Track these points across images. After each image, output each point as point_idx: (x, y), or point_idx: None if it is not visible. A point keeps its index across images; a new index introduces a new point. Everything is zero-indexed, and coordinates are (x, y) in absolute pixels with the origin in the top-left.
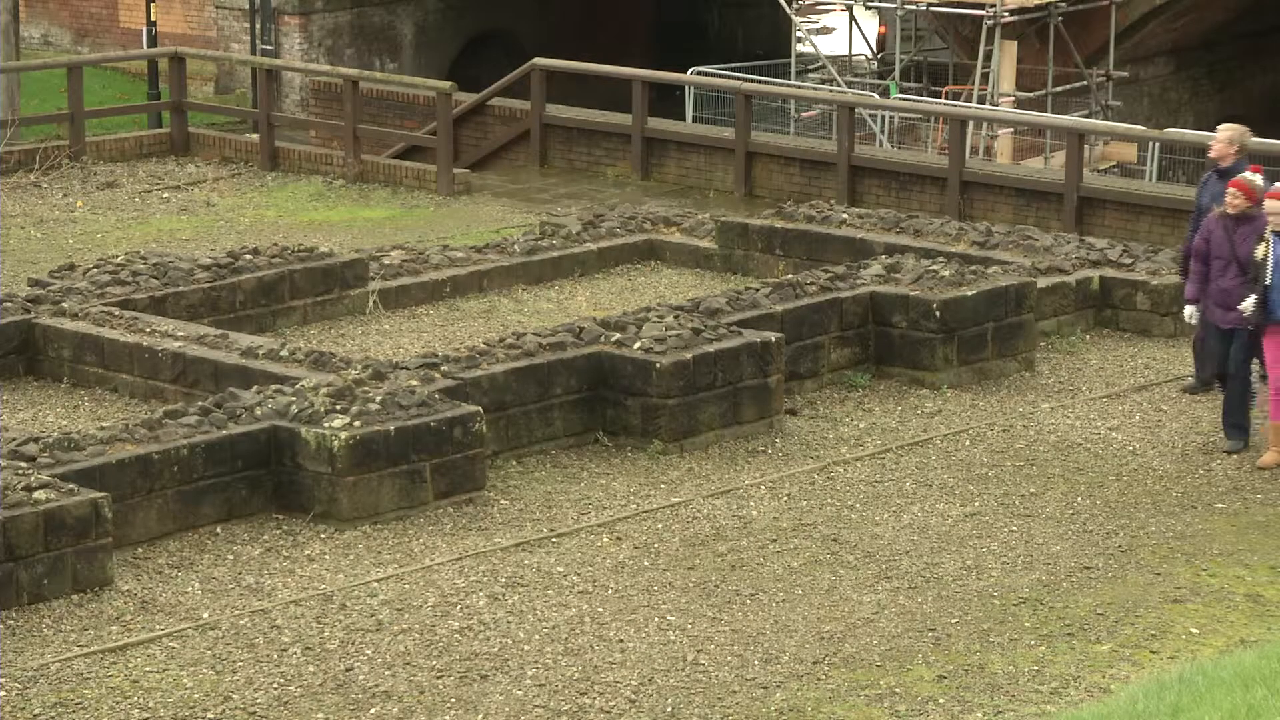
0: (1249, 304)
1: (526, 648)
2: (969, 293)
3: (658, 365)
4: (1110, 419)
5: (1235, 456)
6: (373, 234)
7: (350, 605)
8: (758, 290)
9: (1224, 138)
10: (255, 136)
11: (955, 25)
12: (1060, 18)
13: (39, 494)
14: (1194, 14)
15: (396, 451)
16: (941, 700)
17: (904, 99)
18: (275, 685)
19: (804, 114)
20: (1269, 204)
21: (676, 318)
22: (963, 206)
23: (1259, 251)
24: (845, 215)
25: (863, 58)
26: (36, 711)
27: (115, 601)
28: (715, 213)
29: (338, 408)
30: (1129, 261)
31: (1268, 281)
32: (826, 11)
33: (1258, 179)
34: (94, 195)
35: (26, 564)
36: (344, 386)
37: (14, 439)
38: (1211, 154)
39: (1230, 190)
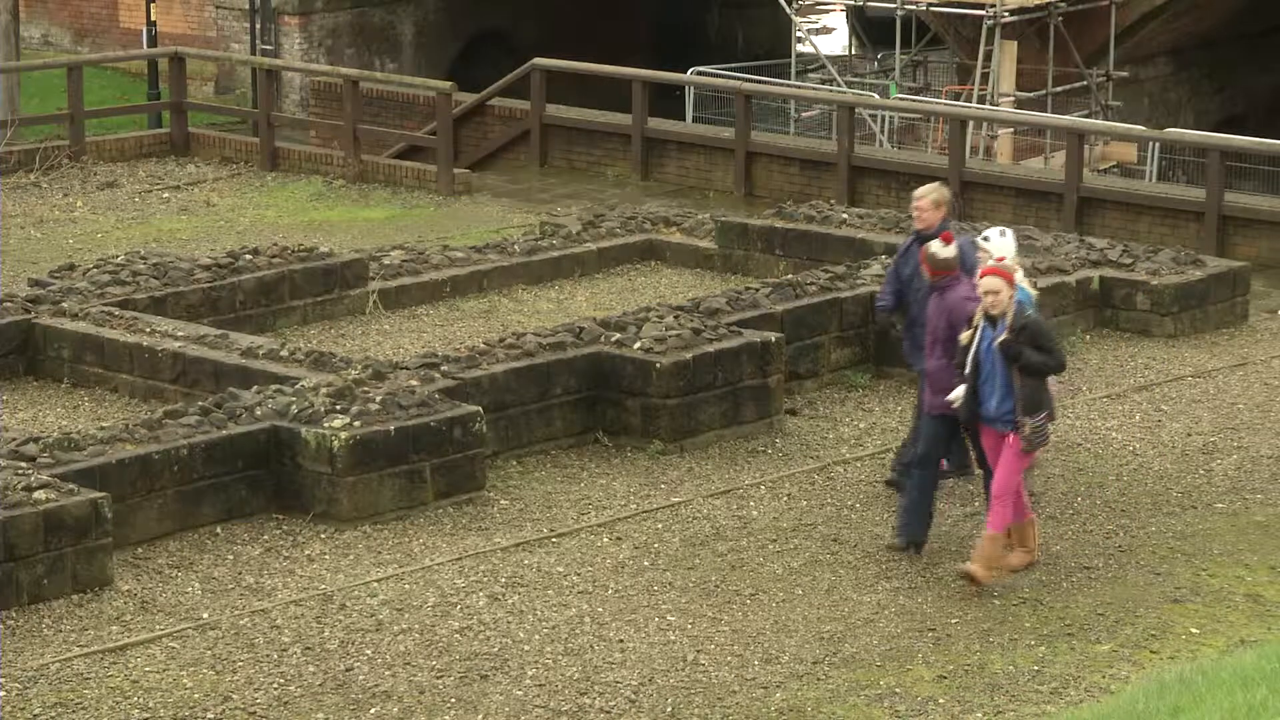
0: (957, 395)
1: (526, 648)
2: None
3: (658, 365)
4: (1110, 419)
5: (1235, 457)
6: (373, 234)
7: (350, 605)
8: (758, 290)
9: (926, 202)
10: (256, 139)
11: (955, 25)
12: (1060, 18)
13: (39, 494)
14: (1194, 14)
15: (396, 451)
16: (941, 700)
17: (904, 99)
18: (275, 685)
19: (804, 114)
20: (982, 282)
21: (676, 318)
22: (963, 206)
23: (964, 337)
24: (845, 215)
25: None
26: (36, 711)
27: (115, 601)
28: (715, 213)
29: (338, 408)
30: (1129, 261)
31: (967, 370)
32: (826, 11)
33: (943, 250)
34: (94, 195)
35: (26, 564)
36: (344, 386)
37: (14, 439)
38: (917, 224)
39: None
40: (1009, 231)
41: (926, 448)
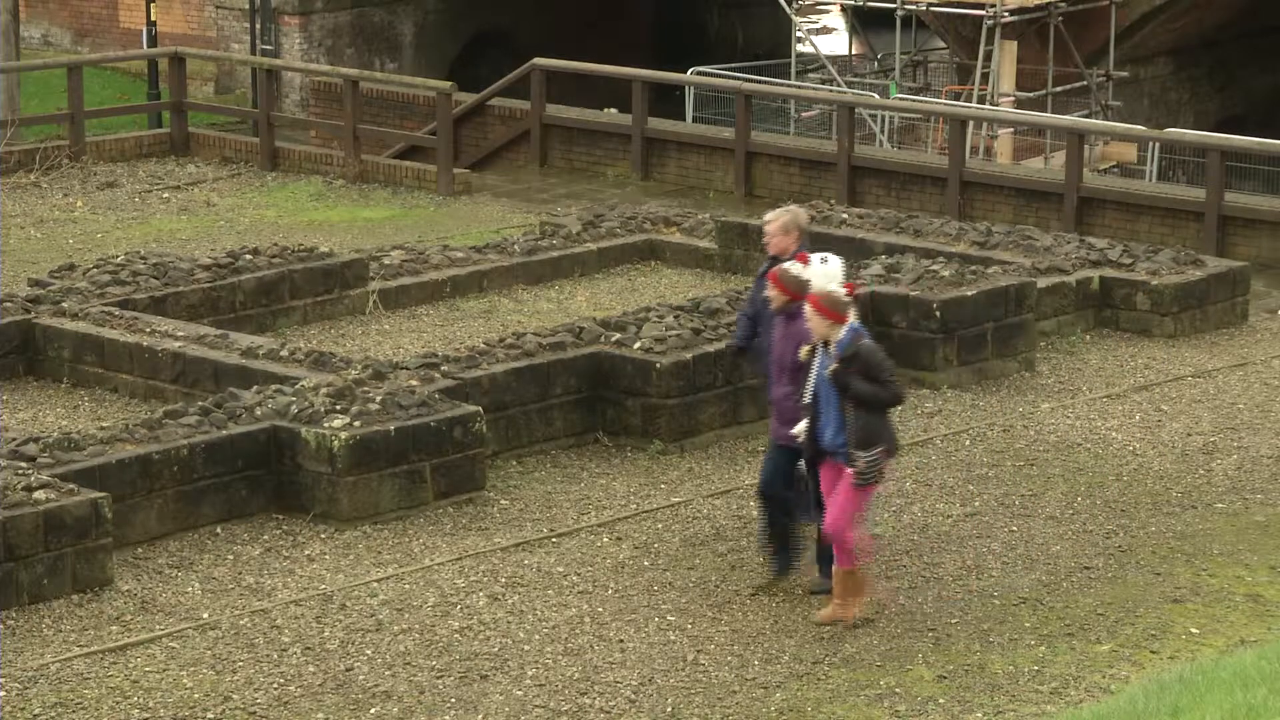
0: (799, 429)
1: (526, 648)
2: (969, 293)
3: (658, 365)
4: (1110, 419)
5: (1235, 457)
6: (373, 234)
7: (350, 605)
8: None
9: (775, 226)
10: (256, 139)
11: (955, 25)
12: (1060, 18)
13: (39, 494)
14: (1194, 14)
15: (396, 451)
16: (941, 700)
17: (904, 99)
18: (275, 685)
19: (804, 114)
20: (806, 309)
21: (676, 318)
22: (963, 206)
23: (803, 352)
24: (845, 215)
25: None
26: (36, 711)
27: (115, 601)
28: (715, 213)
29: (338, 408)
30: (1129, 261)
31: (807, 399)
32: (826, 11)
33: (799, 270)
34: (94, 195)
35: (26, 564)
36: (344, 386)
37: (14, 439)
38: (770, 249)
39: (768, 282)
40: (832, 259)
41: (766, 477)
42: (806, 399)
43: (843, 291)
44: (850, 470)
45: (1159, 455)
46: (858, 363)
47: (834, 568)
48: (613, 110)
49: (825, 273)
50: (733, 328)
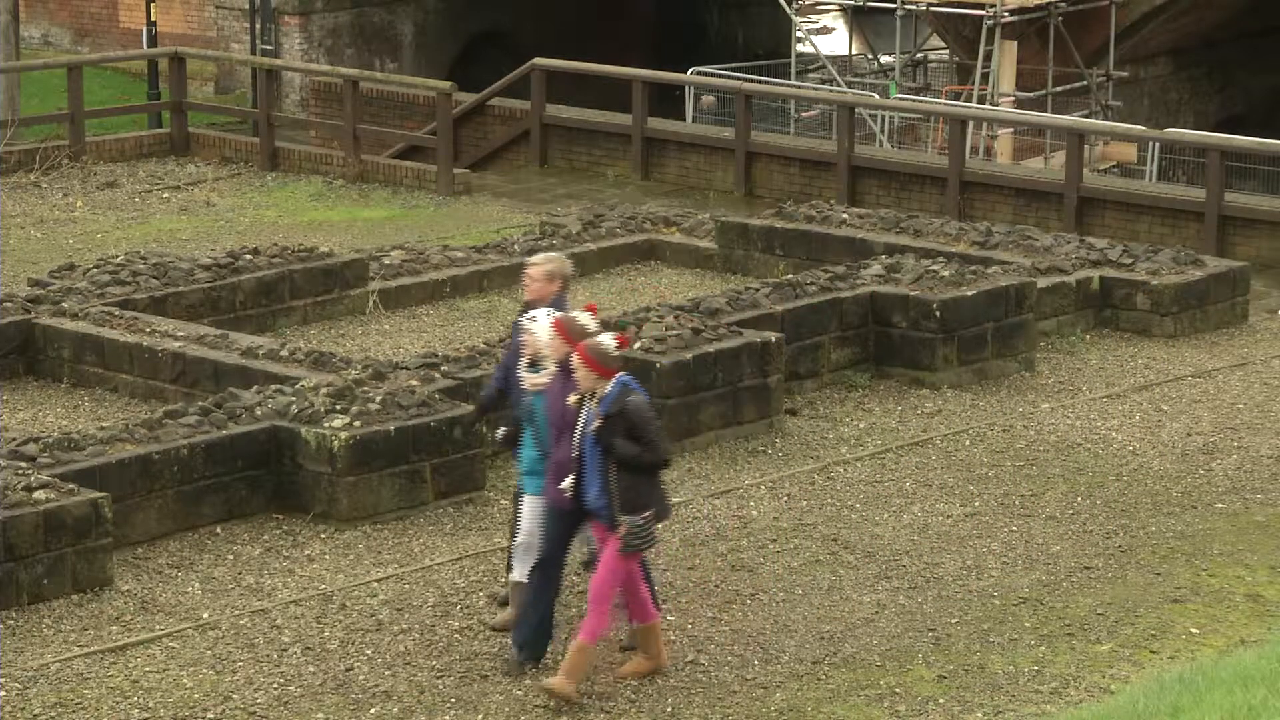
0: (568, 484)
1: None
2: (969, 293)
3: (658, 365)
4: (1110, 419)
5: (1235, 457)
6: (373, 234)
7: (350, 605)
8: (758, 290)
9: (538, 272)
10: (256, 139)
11: (955, 25)
12: (1060, 18)
13: (39, 494)
14: (1194, 14)
15: (396, 451)
16: (941, 700)
17: (904, 99)
18: (275, 685)
19: (804, 114)
20: (573, 360)
21: (676, 318)
22: (963, 206)
23: (571, 399)
24: (845, 215)
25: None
26: (36, 711)
27: (115, 601)
28: (715, 213)
29: (338, 408)
30: (1129, 261)
31: (574, 453)
32: (826, 11)
33: (586, 320)
34: (94, 195)
35: (26, 564)
36: (344, 386)
37: (14, 439)
38: (528, 294)
39: (552, 330)
40: (554, 314)
41: (546, 548)
42: (573, 454)
43: (613, 344)
44: (616, 535)
45: (1159, 455)
46: (623, 420)
47: (594, 634)
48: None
49: (539, 329)
50: (732, 327)
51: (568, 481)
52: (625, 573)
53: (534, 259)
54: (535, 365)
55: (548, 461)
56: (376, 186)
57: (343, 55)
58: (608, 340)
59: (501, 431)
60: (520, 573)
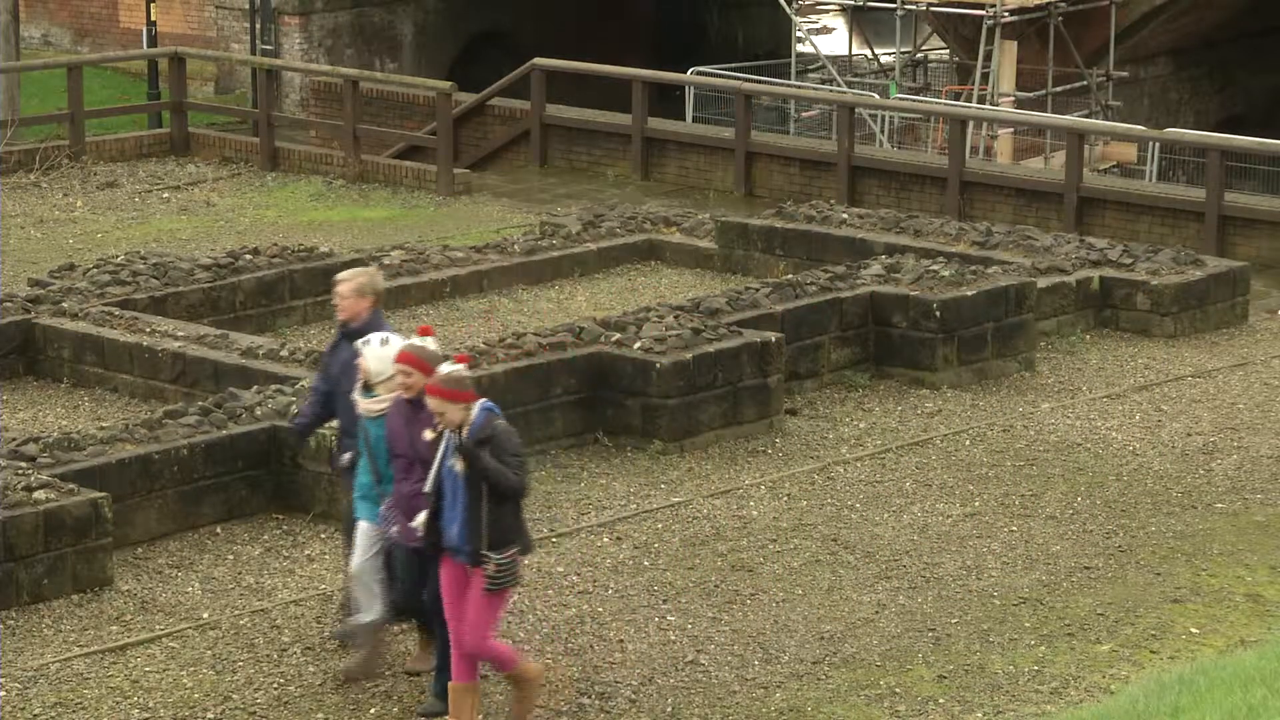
0: (419, 520)
1: (526, 648)
2: (969, 293)
3: (658, 365)
4: (1110, 419)
5: (1235, 457)
6: (373, 234)
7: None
8: (758, 290)
9: (347, 289)
10: (256, 139)
11: (955, 25)
12: (1060, 18)
13: (39, 494)
14: (1194, 14)
15: None
16: (941, 700)
17: (904, 99)
18: (275, 685)
19: (804, 114)
20: (429, 402)
21: (676, 318)
22: (963, 206)
23: (428, 434)
24: (845, 215)
25: (862, 57)
26: (36, 711)
27: (115, 601)
28: (715, 213)
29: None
30: (1129, 261)
31: (428, 488)
32: (826, 11)
33: (431, 345)
34: (94, 195)
35: (26, 564)
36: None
37: (14, 439)
38: (340, 314)
39: (399, 366)
40: (393, 339)
41: (407, 590)
42: (428, 488)
43: (462, 368)
44: (481, 573)
45: (1159, 455)
46: (493, 446)
47: (451, 683)
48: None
49: (384, 355)
50: (732, 327)
51: (420, 518)
52: (497, 608)
53: (342, 274)
54: (369, 389)
55: (392, 492)
56: (376, 186)
57: (343, 55)
58: (458, 366)
59: (346, 457)
60: (372, 611)
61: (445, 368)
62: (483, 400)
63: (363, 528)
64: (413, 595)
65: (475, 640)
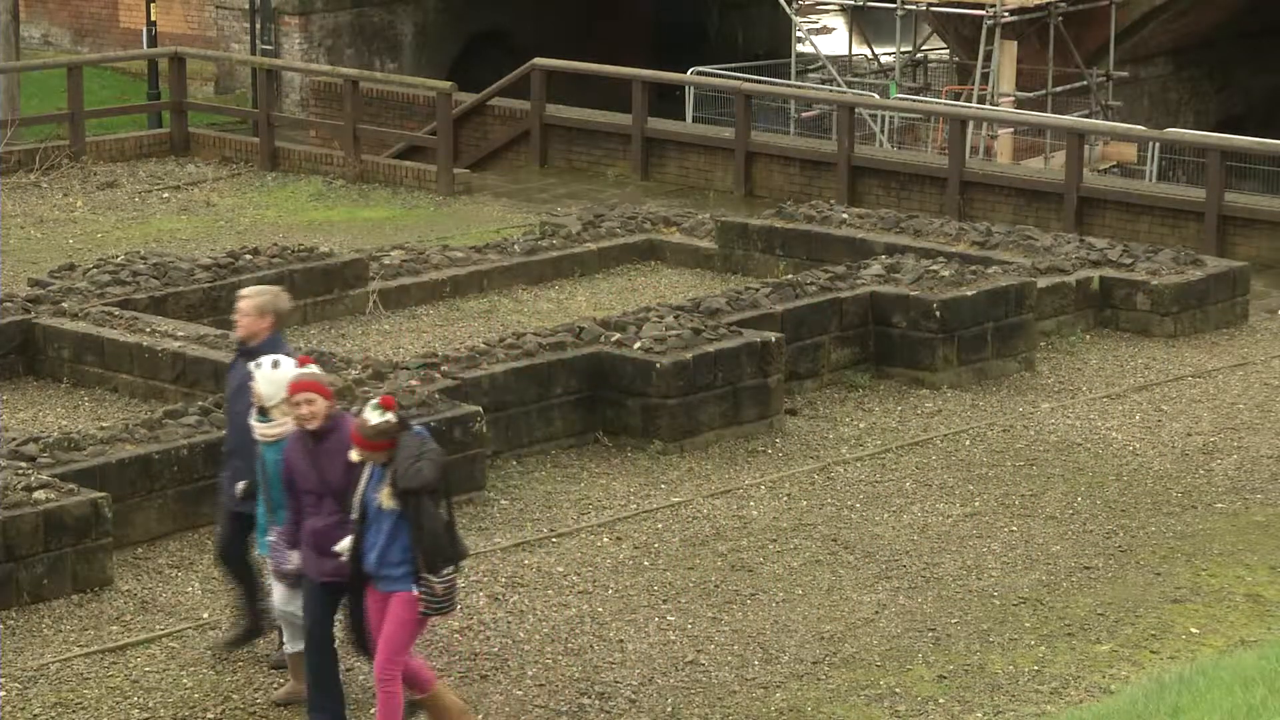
0: (343, 546)
1: (526, 648)
2: (969, 293)
3: (658, 365)
4: (1110, 419)
5: (1235, 457)
6: (373, 234)
7: None
8: (758, 290)
9: (248, 305)
10: (256, 139)
11: (955, 25)
12: (1060, 18)
13: (39, 494)
14: (1194, 14)
15: None
16: (941, 700)
17: (904, 99)
18: (275, 685)
19: (804, 114)
20: (355, 453)
21: (676, 318)
22: (963, 206)
23: (354, 454)
24: (845, 215)
25: (862, 57)
26: (36, 711)
27: (115, 601)
28: (715, 213)
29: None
30: (1129, 261)
31: (354, 515)
32: (826, 11)
33: (318, 371)
34: (94, 195)
35: (26, 564)
36: (344, 386)
37: (14, 439)
38: (239, 331)
39: (299, 395)
40: (284, 362)
41: (314, 627)
42: (354, 515)
43: (381, 418)
44: (413, 597)
45: (1159, 455)
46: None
47: (395, 713)
48: None
49: (279, 379)
50: (732, 327)
51: (344, 544)
52: (412, 638)
53: (246, 291)
54: (265, 413)
55: (284, 524)
56: (376, 186)
57: (343, 55)
58: (372, 412)
59: (241, 487)
60: (293, 643)
61: (374, 418)
62: (412, 428)
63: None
64: (325, 631)
65: (387, 660)
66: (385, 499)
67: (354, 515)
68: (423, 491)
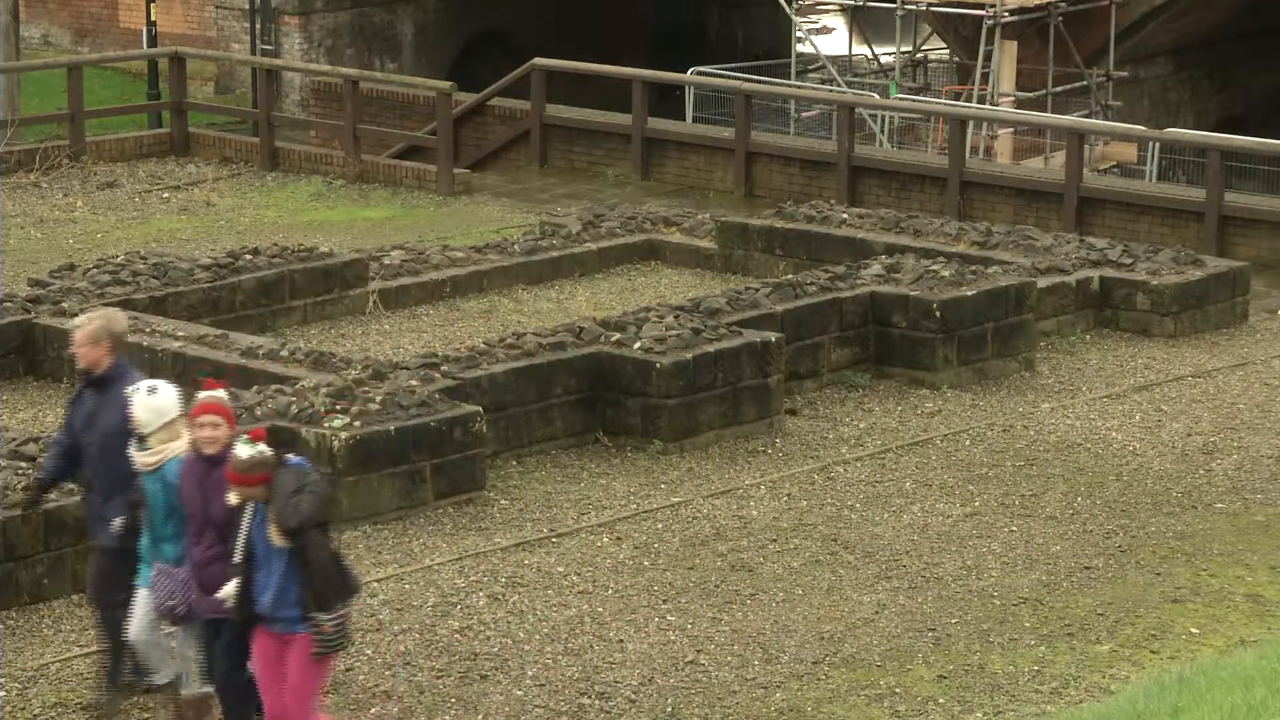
0: (228, 591)
1: (526, 648)
2: (969, 293)
3: (658, 365)
4: (1110, 419)
5: (1235, 457)
6: (373, 234)
7: None
8: (758, 290)
9: (84, 335)
10: (256, 139)
11: (955, 25)
12: (1060, 18)
13: None
14: (1194, 14)
15: (396, 451)
16: (941, 700)
17: (904, 99)
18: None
19: (804, 114)
20: (232, 493)
21: (676, 318)
22: (963, 206)
23: (232, 497)
24: (845, 215)
25: (862, 57)
26: (36, 711)
27: None
28: (715, 213)
29: (338, 408)
30: (1129, 261)
31: (238, 558)
32: (826, 11)
33: (222, 395)
34: (94, 195)
35: (26, 564)
36: (344, 386)
37: (14, 439)
38: (80, 362)
39: (206, 418)
40: (161, 387)
41: (222, 664)
42: (238, 557)
43: (253, 450)
44: (308, 639)
45: (1159, 455)
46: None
47: None
48: None
49: (155, 405)
50: (732, 327)
51: (229, 589)
52: (322, 675)
53: (78, 320)
54: (143, 441)
55: (187, 558)
56: (376, 186)
57: (343, 55)
58: (247, 447)
59: (118, 523)
60: (165, 673)
61: (245, 451)
62: (288, 459)
63: (143, 594)
64: (235, 666)
65: (300, 712)
66: (275, 536)
67: (237, 558)
68: (306, 527)
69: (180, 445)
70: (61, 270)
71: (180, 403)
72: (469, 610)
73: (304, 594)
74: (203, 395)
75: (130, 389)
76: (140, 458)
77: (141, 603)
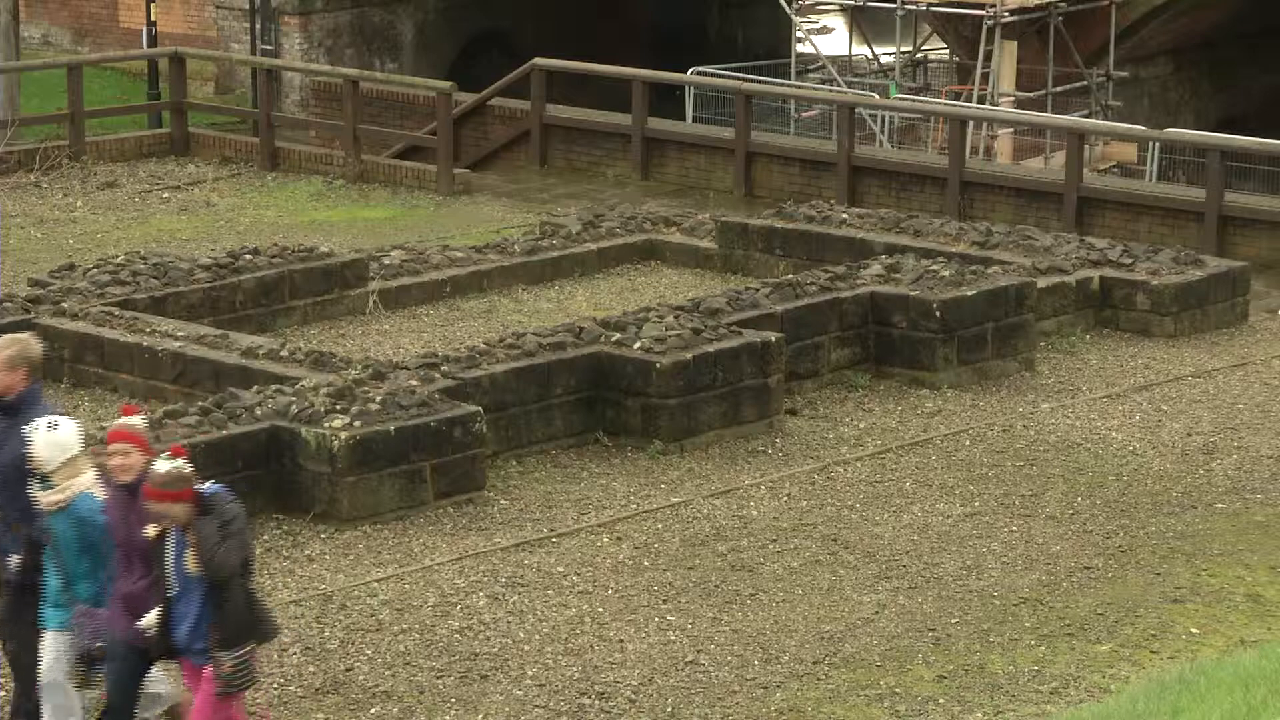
0: (149, 621)
1: (526, 648)
2: (969, 293)
3: (658, 365)
4: (1110, 419)
5: (1235, 457)
6: (373, 234)
7: (350, 605)
8: (758, 290)
9: (2, 360)
10: (256, 139)
11: (955, 25)
12: (1060, 18)
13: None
14: (1194, 14)
15: (396, 451)
16: (941, 700)
17: (904, 99)
18: (275, 685)
19: (804, 114)
20: (150, 506)
21: (676, 318)
22: (963, 206)
23: (150, 530)
24: (845, 215)
25: (862, 57)
26: None
27: None
28: (715, 213)
29: (338, 408)
30: (1129, 261)
31: (171, 591)
32: (826, 11)
33: (140, 423)
34: (94, 195)
35: None
36: (344, 386)
37: None
38: None
39: (115, 446)
40: (62, 423)
41: (118, 696)
42: (171, 590)
43: (170, 465)
44: (212, 674)
45: (1159, 455)
46: (220, 529)
47: None
48: None
49: (57, 441)
50: (732, 327)
51: (150, 617)
52: (229, 711)
53: None
54: (46, 480)
55: (114, 589)
56: (376, 186)
57: (343, 55)
58: (168, 463)
59: (14, 560)
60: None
61: (164, 466)
62: (208, 485)
63: (50, 636)
64: (128, 701)
65: None
66: (192, 564)
67: (171, 590)
68: (233, 577)
69: (87, 479)
70: (61, 270)
71: (83, 437)
72: (469, 610)
73: (211, 631)
74: (116, 423)
75: (29, 427)
76: (45, 497)
77: (51, 647)
